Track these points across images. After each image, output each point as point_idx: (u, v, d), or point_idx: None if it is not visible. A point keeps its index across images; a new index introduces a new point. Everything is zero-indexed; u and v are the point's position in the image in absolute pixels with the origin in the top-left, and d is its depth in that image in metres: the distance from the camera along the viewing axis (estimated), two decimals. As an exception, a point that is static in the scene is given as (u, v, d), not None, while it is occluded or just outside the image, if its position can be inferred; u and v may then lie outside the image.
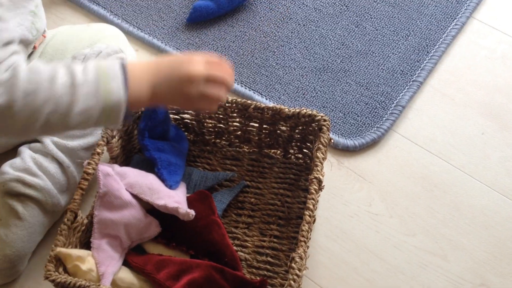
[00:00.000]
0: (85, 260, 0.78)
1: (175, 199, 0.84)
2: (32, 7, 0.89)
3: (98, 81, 0.68)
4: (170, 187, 0.87)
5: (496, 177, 0.99)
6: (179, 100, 0.75)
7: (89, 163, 0.84)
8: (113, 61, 0.71)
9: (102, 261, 0.79)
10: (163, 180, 0.88)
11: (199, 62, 0.75)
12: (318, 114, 0.89)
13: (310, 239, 0.83)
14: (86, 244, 0.85)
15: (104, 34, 1.01)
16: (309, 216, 0.80)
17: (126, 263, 0.83)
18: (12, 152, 0.97)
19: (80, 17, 1.19)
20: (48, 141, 0.93)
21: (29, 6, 0.88)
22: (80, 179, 0.83)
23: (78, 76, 0.68)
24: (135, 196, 0.85)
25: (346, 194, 0.98)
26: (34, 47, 0.96)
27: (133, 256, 0.82)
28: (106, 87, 0.69)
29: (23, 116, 0.67)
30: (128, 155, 0.97)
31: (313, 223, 0.84)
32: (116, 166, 0.87)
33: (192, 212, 0.82)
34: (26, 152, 0.93)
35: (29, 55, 0.96)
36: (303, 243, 0.77)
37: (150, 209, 0.86)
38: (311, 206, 0.80)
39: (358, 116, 1.06)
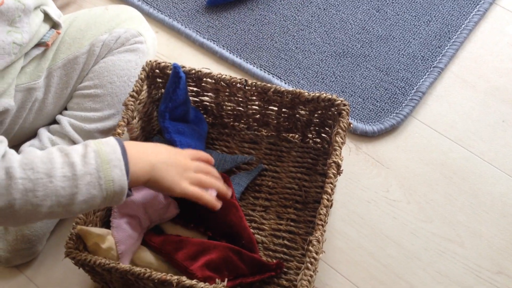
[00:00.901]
0: (105, 239, 0.79)
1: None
2: (7, 27, 0.85)
3: (99, 170, 0.68)
4: None
5: (516, 165, 0.98)
6: (176, 182, 0.77)
7: (109, 144, 0.84)
8: (113, 144, 0.70)
9: (121, 240, 0.80)
10: None
11: (188, 154, 0.82)
12: (338, 99, 0.89)
13: (327, 223, 0.83)
14: (105, 224, 0.86)
15: (122, 17, 1.00)
16: (327, 200, 0.80)
17: (144, 243, 0.84)
18: (34, 136, 0.98)
19: (101, -1, 1.19)
20: (66, 123, 0.93)
21: (3, 28, 0.84)
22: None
23: (78, 167, 0.67)
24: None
25: (363, 179, 0.98)
26: (47, 45, 0.93)
27: (152, 236, 0.83)
28: (108, 176, 0.68)
29: (24, 212, 0.66)
30: (148, 136, 0.98)
31: (330, 208, 0.84)
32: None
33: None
34: (44, 133, 0.94)
35: (44, 52, 0.94)
36: (320, 227, 0.78)
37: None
38: (329, 190, 0.80)
39: (377, 101, 1.05)
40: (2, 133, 0.93)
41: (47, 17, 0.93)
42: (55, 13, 0.95)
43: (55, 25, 0.95)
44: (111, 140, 0.71)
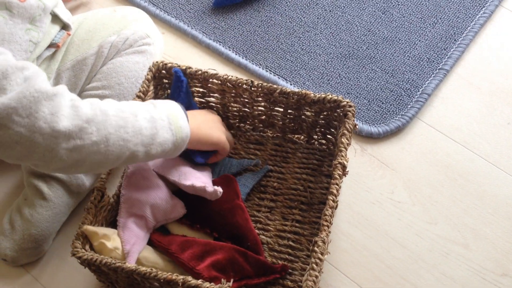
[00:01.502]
0: (111, 238, 0.80)
1: (201, 180, 0.85)
2: (27, 24, 0.87)
3: (169, 118, 0.78)
4: (195, 159, 0.88)
5: (521, 167, 0.98)
6: (217, 134, 0.88)
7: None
8: (175, 105, 0.81)
9: (127, 239, 0.80)
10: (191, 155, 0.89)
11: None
12: (343, 100, 0.89)
13: (332, 224, 0.83)
14: (111, 223, 0.86)
15: (130, 19, 1.00)
16: (332, 201, 0.80)
17: (150, 243, 0.84)
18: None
19: (109, 0, 1.19)
20: None
21: (23, 25, 0.87)
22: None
23: (154, 113, 0.77)
24: (162, 178, 0.86)
25: (368, 181, 0.98)
26: (58, 46, 0.95)
27: (158, 236, 0.84)
28: (176, 124, 0.78)
29: (116, 148, 0.72)
30: (154, 137, 0.98)
31: (336, 209, 0.84)
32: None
33: (219, 189, 0.83)
34: None
35: (53, 54, 0.96)
36: (325, 228, 0.78)
37: (175, 190, 0.87)
38: (334, 191, 0.81)
39: (382, 103, 1.06)
40: None
41: (56, 19, 0.94)
42: (64, 15, 0.96)
43: (64, 26, 0.96)
44: (171, 102, 0.82)
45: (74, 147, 0.68)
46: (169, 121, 0.77)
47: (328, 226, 0.78)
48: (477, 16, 1.15)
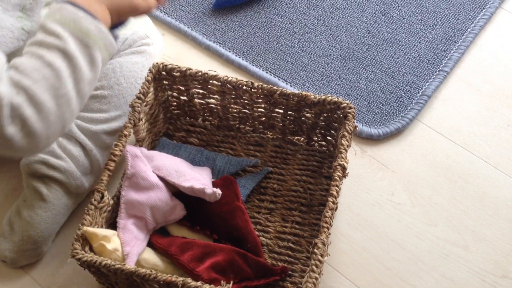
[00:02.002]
0: (111, 240, 0.80)
1: (201, 181, 0.85)
2: (17, 12, 0.86)
3: (80, 39, 0.69)
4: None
5: (521, 169, 0.99)
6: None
7: (116, 145, 0.85)
8: (63, 7, 0.70)
9: (127, 241, 0.80)
10: None
11: None
12: (343, 102, 0.89)
13: (332, 225, 0.83)
14: (111, 225, 0.86)
15: (129, 20, 1.01)
16: (332, 202, 0.80)
17: (150, 245, 0.84)
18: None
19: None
20: (72, 125, 0.94)
21: (14, 13, 0.86)
22: (107, 160, 0.85)
23: (69, 50, 0.68)
24: (161, 179, 0.86)
25: (368, 182, 0.98)
26: None
27: (158, 238, 0.84)
28: (83, 27, 0.69)
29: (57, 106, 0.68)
30: (154, 138, 0.98)
31: (335, 210, 0.84)
32: (144, 149, 0.88)
33: (218, 191, 0.83)
34: None
35: None
36: (325, 229, 0.78)
37: (175, 192, 0.87)
38: (334, 193, 0.81)
39: (382, 104, 1.06)
40: None
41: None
42: None
43: None
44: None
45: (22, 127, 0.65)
46: (81, 42, 0.69)
47: (328, 228, 0.78)
48: (477, 18, 1.15)
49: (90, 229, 0.79)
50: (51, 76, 0.67)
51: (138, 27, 1.00)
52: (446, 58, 1.10)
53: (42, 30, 0.70)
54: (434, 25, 1.14)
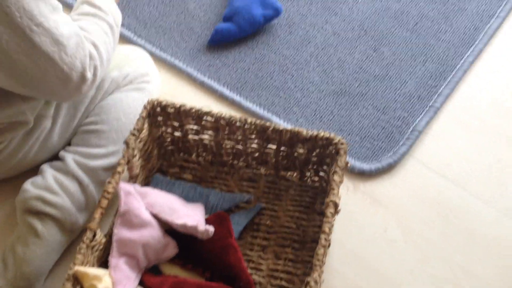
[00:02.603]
0: (102, 279, 0.79)
1: (194, 218, 0.86)
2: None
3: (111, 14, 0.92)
4: None
5: (512, 205, 0.99)
6: None
7: (109, 182, 0.85)
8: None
9: (119, 280, 0.80)
10: None
11: None
12: (335, 137, 0.90)
13: (325, 263, 0.83)
14: (104, 263, 0.86)
15: (132, 57, 1.03)
16: (325, 239, 0.80)
17: (141, 283, 0.84)
18: (34, 170, 0.99)
19: (104, 38, 1.21)
20: (70, 160, 0.94)
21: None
22: (100, 197, 0.85)
23: (117, 19, 0.93)
24: (154, 216, 0.86)
25: (361, 218, 0.98)
26: None
27: (149, 277, 0.84)
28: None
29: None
30: (148, 174, 0.99)
31: (328, 247, 0.85)
32: (137, 186, 0.89)
33: (211, 229, 0.84)
34: (48, 170, 0.94)
35: None
36: (318, 267, 0.78)
37: (168, 229, 0.87)
38: (327, 230, 0.81)
39: (374, 140, 1.07)
40: (2, 158, 0.94)
41: None
42: None
43: None
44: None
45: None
46: (113, 19, 0.92)
47: (320, 266, 0.78)
48: (466, 55, 1.17)
49: (81, 268, 0.79)
50: (106, 38, 0.89)
51: (139, 64, 1.02)
52: (436, 94, 1.12)
53: (89, 4, 0.92)
54: (424, 62, 1.17)
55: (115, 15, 0.93)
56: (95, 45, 0.86)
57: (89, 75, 0.84)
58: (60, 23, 0.81)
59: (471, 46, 1.18)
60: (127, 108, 0.98)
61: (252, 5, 1.18)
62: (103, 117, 0.97)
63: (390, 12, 1.23)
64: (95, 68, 0.85)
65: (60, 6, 0.82)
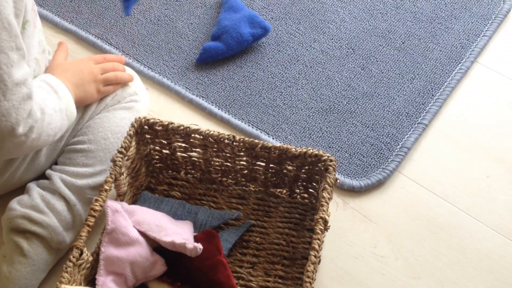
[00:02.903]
0: (89, 298, 0.78)
1: (182, 236, 0.85)
2: (35, 53, 0.92)
3: (67, 106, 0.91)
4: None
5: (502, 220, 0.99)
6: (91, 93, 0.98)
7: (96, 200, 0.84)
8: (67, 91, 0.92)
9: (106, 299, 0.79)
10: None
11: (96, 69, 1.00)
12: (324, 154, 0.90)
13: (315, 280, 0.83)
14: (91, 282, 0.85)
15: None
16: (315, 256, 0.80)
17: (130, 301, 0.83)
18: (21, 188, 0.98)
19: (93, 56, 1.21)
20: (57, 179, 0.93)
21: (33, 54, 0.91)
22: (87, 216, 0.84)
23: (61, 104, 0.89)
24: (142, 234, 0.85)
25: (351, 235, 0.98)
26: None
27: (138, 295, 0.82)
28: (70, 108, 0.92)
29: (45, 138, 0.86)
30: (136, 192, 0.98)
31: (318, 264, 0.84)
32: (125, 204, 0.88)
33: (199, 246, 0.83)
34: (34, 189, 0.93)
35: None
36: (308, 284, 0.77)
37: (156, 247, 0.86)
38: (316, 246, 0.81)
39: (363, 156, 1.07)
40: None
41: None
42: None
43: None
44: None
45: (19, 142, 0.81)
46: (66, 109, 0.90)
47: (310, 283, 0.78)
48: (454, 72, 1.18)
49: (67, 287, 0.77)
50: (54, 114, 0.87)
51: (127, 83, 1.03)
52: (425, 111, 1.13)
53: (47, 83, 0.90)
54: (412, 79, 1.17)
55: (69, 107, 0.91)
56: (42, 110, 0.83)
57: (20, 130, 0.79)
58: (17, 66, 0.77)
59: (458, 63, 1.19)
60: (115, 127, 0.97)
61: (241, 24, 1.19)
62: (91, 136, 0.96)
63: (377, 31, 1.24)
64: (30, 128, 0.80)
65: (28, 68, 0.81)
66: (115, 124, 0.98)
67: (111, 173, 0.87)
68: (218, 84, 1.17)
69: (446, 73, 1.18)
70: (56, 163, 0.98)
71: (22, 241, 0.89)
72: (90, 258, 0.84)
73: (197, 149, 0.97)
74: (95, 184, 0.94)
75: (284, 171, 0.95)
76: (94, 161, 0.95)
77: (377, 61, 1.20)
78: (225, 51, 1.18)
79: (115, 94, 1.00)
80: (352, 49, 1.22)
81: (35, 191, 0.93)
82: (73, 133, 0.98)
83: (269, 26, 1.20)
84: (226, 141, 0.93)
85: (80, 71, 0.97)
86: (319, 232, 0.82)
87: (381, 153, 1.07)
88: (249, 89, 1.16)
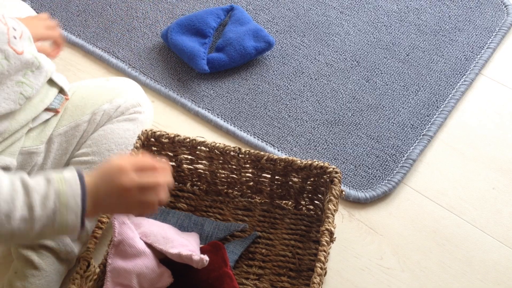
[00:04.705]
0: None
1: (189, 248, 0.85)
2: (19, 77, 0.89)
3: (55, 214, 0.69)
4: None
5: (508, 232, 0.99)
6: (120, 209, 0.77)
7: (103, 212, 0.85)
8: (75, 185, 0.71)
9: (113, 310, 0.79)
10: None
11: (130, 170, 0.74)
12: (329, 166, 0.90)
13: (321, 292, 0.82)
14: (97, 293, 0.85)
15: (122, 88, 1.03)
16: (321, 268, 0.80)
17: (136, 313, 0.83)
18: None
19: (100, 70, 1.22)
20: None
21: (15, 78, 0.89)
22: (94, 227, 0.84)
23: (37, 210, 0.69)
24: (149, 246, 0.85)
25: (357, 246, 0.98)
26: (57, 111, 0.96)
27: (144, 306, 0.82)
28: (63, 220, 0.70)
29: None
30: (142, 204, 0.98)
31: (324, 276, 0.84)
32: (131, 216, 0.88)
33: (206, 258, 0.83)
34: None
35: (48, 120, 0.96)
36: (314, 296, 0.77)
37: (163, 258, 0.86)
38: (322, 258, 0.81)
39: (369, 168, 1.07)
40: None
41: (52, 83, 0.97)
42: (59, 79, 0.98)
43: (62, 90, 0.98)
44: (73, 179, 0.71)
45: None
46: (54, 217, 0.69)
47: (316, 294, 0.78)
48: (458, 84, 1.19)
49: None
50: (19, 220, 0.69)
51: (130, 95, 1.03)
52: (430, 123, 1.13)
53: (44, 182, 0.71)
54: (416, 91, 1.18)
55: (60, 228, 0.71)
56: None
57: None
58: None
59: (463, 75, 1.20)
60: (118, 139, 0.98)
61: (245, 37, 1.20)
62: (94, 148, 0.97)
63: (382, 44, 1.25)
64: None
65: None
66: (119, 135, 0.98)
67: (118, 185, 0.88)
68: (223, 96, 1.17)
69: (451, 85, 1.19)
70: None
71: (31, 254, 0.89)
72: (97, 270, 0.84)
73: (203, 161, 0.97)
74: None
75: (290, 183, 0.96)
76: None
77: (381, 73, 1.21)
78: (228, 63, 1.19)
79: (118, 106, 1.00)
80: (357, 62, 1.23)
81: None
82: (78, 146, 0.99)
83: (273, 40, 1.21)
84: (232, 153, 0.93)
85: (106, 173, 0.75)
86: (325, 243, 0.82)
87: (387, 165, 1.07)
88: (255, 101, 1.17)
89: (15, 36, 0.88)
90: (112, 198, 0.73)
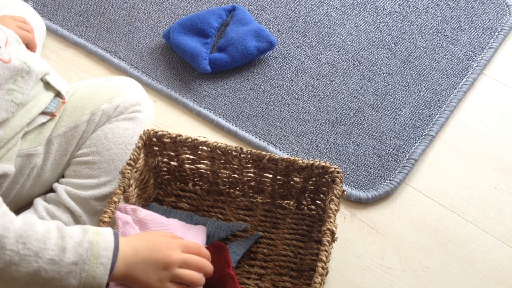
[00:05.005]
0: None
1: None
2: (10, 85, 0.88)
3: (85, 263, 0.69)
4: None
5: (510, 232, 0.99)
6: (151, 282, 0.76)
7: (105, 212, 0.85)
8: (109, 240, 0.71)
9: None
10: None
11: (177, 246, 0.77)
12: (331, 166, 0.90)
13: (322, 291, 0.82)
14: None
15: (122, 87, 1.02)
16: (322, 268, 0.80)
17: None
18: (30, 204, 0.98)
19: (102, 70, 1.23)
20: (62, 191, 0.94)
21: (5, 86, 0.88)
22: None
23: (68, 255, 0.68)
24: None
25: (358, 246, 0.98)
26: (53, 115, 0.96)
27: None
28: (92, 271, 0.69)
29: (1, 280, 0.67)
30: (144, 204, 0.98)
31: (326, 275, 0.84)
32: (139, 211, 0.88)
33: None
34: (39, 203, 0.94)
35: (46, 122, 0.96)
36: (315, 296, 0.77)
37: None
38: (324, 258, 0.81)
39: (370, 168, 1.07)
40: None
41: (49, 86, 0.96)
42: (56, 82, 0.98)
43: (59, 93, 0.98)
44: (109, 235, 0.73)
45: None
46: (83, 267, 0.68)
47: (318, 294, 0.78)
48: (460, 84, 1.19)
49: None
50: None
51: (130, 94, 1.02)
52: (431, 123, 1.13)
53: (80, 230, 0.71)
54: (418, 91, 1.18)
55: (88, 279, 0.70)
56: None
57: None
58: None
59: (465, 75, 1.20)
60: (117, 138, 0.98)
61: (247, 37, 1.20)
62: (94, 148, 0.97)
63: (383, 44, 1.25)
64: None
65: None
66: (118, 135, 0.98)
67: (120, 185, 0.88)
68: (225, 96, 1.18)
69: (453, 85, 1.18)
70: (63, 176, 0.99)
71: None
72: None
73: (205, 161, 0.98)
74: (100, 195, 0.95)
75: (291, 182, 0.96)
76: (99, 172, 0.95)
77: (383, 73, 1.21)
78: (229, 63, 1.19)
79: (117, 105, 1.00)
80: (359, 62, 1.23)
81: (40, 205, 0.94)
82: (77, 147, 0.99)
83: (275, 40, 1.21)
84: (233, 153, 0.93)
85: (156, 244, 0.77)
86: (327, 243, 0.82)
87: (388, 165, 1.07)
88: (256, 101, 1.17)
89: None
90: (150, 266, 0.74)
